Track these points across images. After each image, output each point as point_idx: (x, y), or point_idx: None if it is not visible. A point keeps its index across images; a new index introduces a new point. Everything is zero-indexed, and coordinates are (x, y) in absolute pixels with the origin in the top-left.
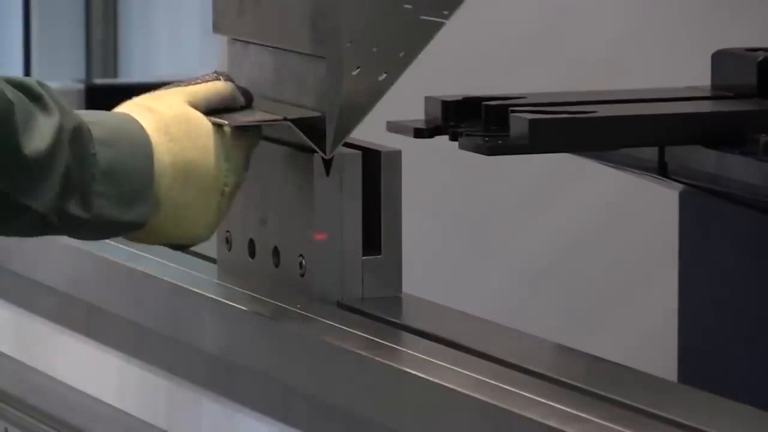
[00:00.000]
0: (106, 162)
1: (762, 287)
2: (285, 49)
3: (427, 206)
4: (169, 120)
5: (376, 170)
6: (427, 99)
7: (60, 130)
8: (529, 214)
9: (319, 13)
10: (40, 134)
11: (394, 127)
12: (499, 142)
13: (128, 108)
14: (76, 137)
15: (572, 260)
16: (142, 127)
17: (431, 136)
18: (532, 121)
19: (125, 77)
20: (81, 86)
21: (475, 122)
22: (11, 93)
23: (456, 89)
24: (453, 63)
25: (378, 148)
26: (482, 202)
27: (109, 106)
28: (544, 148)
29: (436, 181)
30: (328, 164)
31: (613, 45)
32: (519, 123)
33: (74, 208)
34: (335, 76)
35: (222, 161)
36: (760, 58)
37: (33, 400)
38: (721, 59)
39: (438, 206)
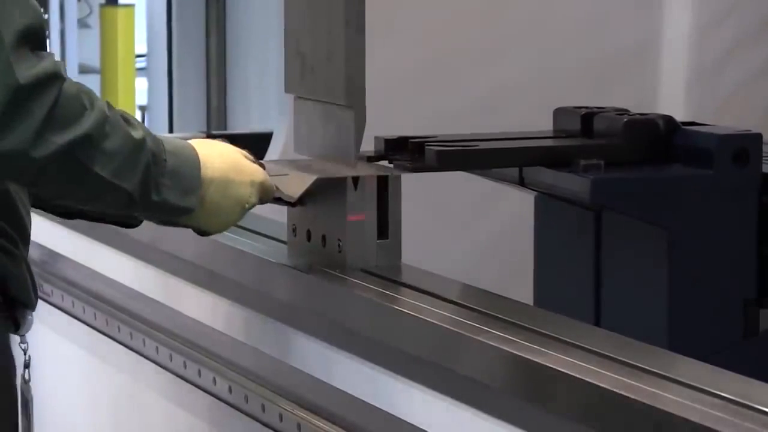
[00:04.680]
0: (172, 166)
1: (588, 257)
2: (328, 102)
3: (410, 210)
4: (224, 152)
5: (385, 187)
6: (376, 138)
7: (144, 137)
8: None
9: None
10: (134, 130)
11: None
12: (418, 164)
13: (195, 142)
14: (156, 146)
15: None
16: (195, 150)
17: (378, 161)
18: (438, 152)
19: (232, 129)
20: (203, 135)
21: (405, 153)
22: (117, 112)
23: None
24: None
25: (387, 173)
26: (433, 204)
27: None
28: (445, 169)
29: (409, 192)
30: (355, 182)
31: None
32: (430, 153)
33: (151, 193)
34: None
35: (250, 186)
36: (583, 113)
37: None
38: (558, 113)
39: (418, 209)
